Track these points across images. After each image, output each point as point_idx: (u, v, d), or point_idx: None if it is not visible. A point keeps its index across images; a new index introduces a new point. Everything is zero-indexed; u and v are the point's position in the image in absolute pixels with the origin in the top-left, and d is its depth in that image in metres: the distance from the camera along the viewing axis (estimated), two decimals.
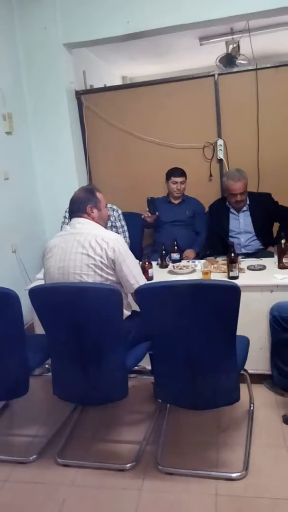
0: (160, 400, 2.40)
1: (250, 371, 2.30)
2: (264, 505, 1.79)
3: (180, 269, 2.79)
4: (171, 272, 2.83)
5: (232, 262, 2.55)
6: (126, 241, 2.94)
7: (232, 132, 3.69)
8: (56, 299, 1.97)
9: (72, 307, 1.92)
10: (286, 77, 3.52)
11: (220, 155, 3.72)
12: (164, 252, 2.97)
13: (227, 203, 3.32)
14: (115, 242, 2.08)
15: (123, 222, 3.26)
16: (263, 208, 3.28)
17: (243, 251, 3.21)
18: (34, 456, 2.18)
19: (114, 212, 3.24)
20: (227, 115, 3.67)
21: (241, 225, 3.28)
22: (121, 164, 3.95)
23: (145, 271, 2.56)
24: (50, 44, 3.64)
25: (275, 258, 2.72)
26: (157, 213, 3.30)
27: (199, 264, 2.83)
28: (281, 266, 2.64)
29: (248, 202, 3.29)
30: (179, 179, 3.42)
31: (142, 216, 3.34)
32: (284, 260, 2.63)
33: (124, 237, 3.18)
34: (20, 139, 3.66)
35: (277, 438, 2.16)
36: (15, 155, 3.59)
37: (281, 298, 2.43)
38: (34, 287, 2.03)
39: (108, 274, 2.08)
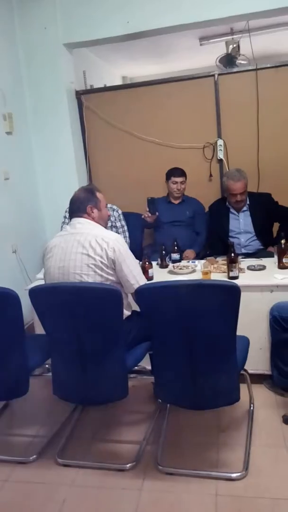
0: (160, 400, 2.40)
1: (250, 371, 2.30)
2: (264, 505, 1.79)
3: (180, 269, 2.79)
4: (171, 272, 2.84)
5: (232, 262, 2.55)
6: (126, 241, 2.94)
7: (232, 132, 3.69)
8: (56, 299, 1.97)
9: (72, 307, 1.92)
10: (286, 77, 3.52)
11: (220, 155, 3.72)
12: (164, 252, 2.97)
13: (227, 203, 3.32)
14: (115, 242, 2.08)
15: (123, 222, 3.26)
16: (263, 208, 3.28)
17: (243, 251, 3.21)
18: (34, 456, 2.18)
19: (114, 212, 3.24)
20: (227, 115, 3.68)
21: (241, 225, 3.28)
22: (121, 164, 3.95)
23: (145, 271, 2.56)
24: (50, 44, 3.65)
25: (275, 258, 2.72)
26: (157, 213, 3.30)
27: (199, 264, 2.83)
28: (281, 266, 2.64)
29: (248, 202, 3.29)
30: (179, 179, 3.42)
31: (142, 216, 3.34)
32: (284, 260, 2.63)
33: (124, 237, 3.18)
34: (20, 139, 3.66)
35: (277, 438, 2.16)
36: (15, 155, 3.59)
37: (281, 298, 2.43)
38: (34, 287, 2.03)
39: (108, 274, 2.08)
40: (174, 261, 2.97)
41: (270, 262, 2.76)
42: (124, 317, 2.11)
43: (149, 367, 2.24)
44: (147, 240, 3.69)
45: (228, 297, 1.78)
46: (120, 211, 3.28)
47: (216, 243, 3.30)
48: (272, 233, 3.35)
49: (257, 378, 2.53)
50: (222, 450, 2.11)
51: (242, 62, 4.99)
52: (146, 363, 2.25)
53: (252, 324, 2.44)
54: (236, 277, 2.55)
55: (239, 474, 1.94)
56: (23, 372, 2.12)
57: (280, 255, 2.65)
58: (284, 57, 4.82)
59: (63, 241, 2.15)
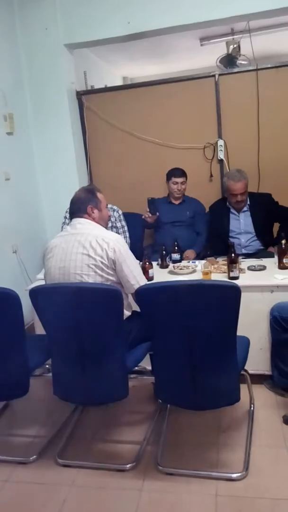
0: (160, 401, 2.40)
1: (250, 372, 2.31)
2: (264, 505, 1.79)
3: (181, 269, 2.79)
4: (171, 272, 2.84)
5: (232, 263, 2.55)
6: (126, 242, 2.94)
7: (233, 132, 3.69)
8: (57, 299, 1.97)
9: (73, 307, 1.92)
10: (287, 78, 3.52)
11: (221, 155, 3.72)
12: (164, 252, 2.97)
13: (227, 204, 3.32)
14: (115, 243, 2.08)
15: (124, 223, 3.26)
16: (263, 208, 3.28)
17: (244, 251, 3.22)
18: (35, 456, 2.18)
19: (115, 213, 3.24)
20: (227, 115, 3.68)
21: (241, 225, 3.28)
22: (122, 165, 3.95)
23: (145, 271, 2.56)
24: (51, 45, 3.65)
25: (276, 258, 2.72)
26: (157, 213, 3.30)
27: (200, 264, 2.83)
28: (281, 266, 2.64)
29: (248, 203, 3.29)
30: (179, 180, 3.42)
31: (143, 217, 3.34)
32: (284, 260, 2.63)
33: (124, 237, 3.18)
34: (21, 139, 3.66)
35: (277, 439, 2.16)
36: (16, 155, 3.59)
37: (282, 298, 2.43)
38: (35, 288, 2.03)
39: (109, 275, 2.08)
40: (174, 261, 2.97)
41: (271, 263, 2.76)
42: (125, 317, 2.11)
43: (149, 368, 2.24)
44: (147, 241, 3.69)
45: (228, 297, 1.78)
46: (120, 212, 3.28)
47: (217, 244, 3.30)
48: (273, 234, 3.35)
49: (258, 379, 2.53)
50: (223, 451, 2.11)
51: (243, 62, 4.99)
52: (146, 364, 2.25)
53: (253, 324, 2.44)
54: (236, 278, 2.55)
55: (239, 474, 1.94)
56: (24, 372, 2.12)
57: (281, 255, 2.65)
58: (284, 58, 4.81)
59: (64, 241, 2.15)
